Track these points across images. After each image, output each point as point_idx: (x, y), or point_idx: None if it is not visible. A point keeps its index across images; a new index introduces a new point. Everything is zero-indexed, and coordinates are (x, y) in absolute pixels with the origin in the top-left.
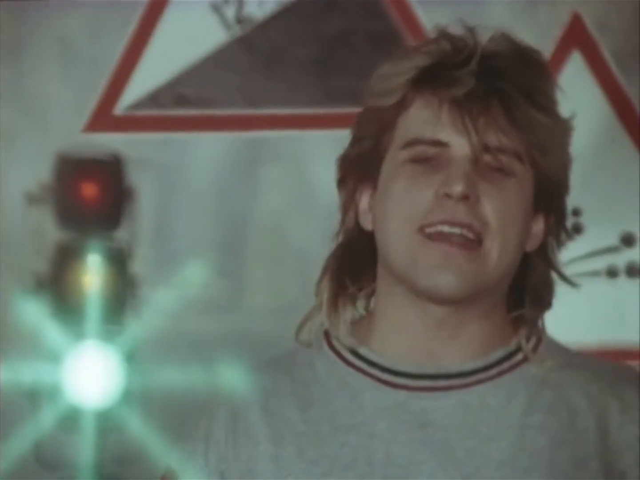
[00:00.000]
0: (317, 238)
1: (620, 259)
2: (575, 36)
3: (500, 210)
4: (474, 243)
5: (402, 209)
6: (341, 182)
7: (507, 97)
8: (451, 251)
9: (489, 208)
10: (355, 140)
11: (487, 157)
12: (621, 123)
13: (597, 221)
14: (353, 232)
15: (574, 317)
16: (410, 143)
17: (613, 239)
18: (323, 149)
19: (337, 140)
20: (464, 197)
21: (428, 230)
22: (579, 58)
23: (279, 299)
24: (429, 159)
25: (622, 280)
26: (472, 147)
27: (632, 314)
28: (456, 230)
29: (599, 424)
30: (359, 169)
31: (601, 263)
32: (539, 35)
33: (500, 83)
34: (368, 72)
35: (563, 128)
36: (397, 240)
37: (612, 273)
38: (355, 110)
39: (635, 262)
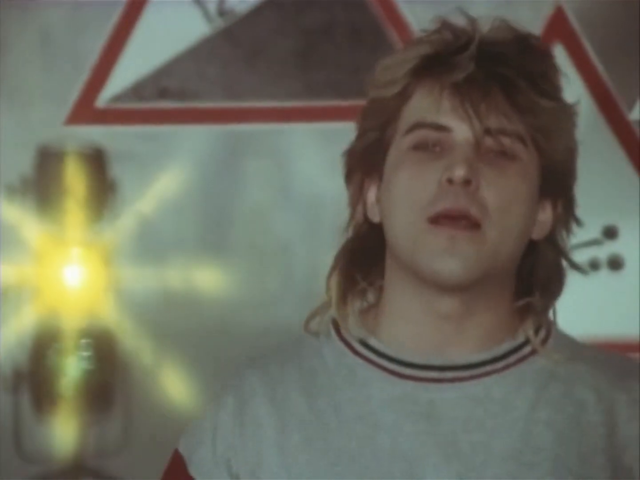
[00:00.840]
0: (300, 230)
1: (603, 252)
2: (558, 29)
3: (501, 195)
4: (474, 227)
5: (407, 198)
6: (348, 177)
7: (508, 82)
8: (455, 233)
9: (490, 193)
10: (360, 134)
11: (488, 141)
12: (603, 116)
13: (579, 214)
14: (362, 227)
15: (558, 309)
16: (413, 127)
17: (595, 232)
18: (305, 141)
19: (320, 132)
20: (466, 182)
21: (433, 218)
22: (561, 51)
23: (261, 290)
24: (432, 145)
25: (605, 272)
26: (473, 130)
27: (614, 305)
28: (458, 216)
29: (607, 419)
30: (365, 162)
31: (584, 256)
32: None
33: (501, 68)
34: (350, 65)
35: (567, 113)
36: (403, 228)
37: (594, 266)
38: (337, 102)
39: (617, 255)
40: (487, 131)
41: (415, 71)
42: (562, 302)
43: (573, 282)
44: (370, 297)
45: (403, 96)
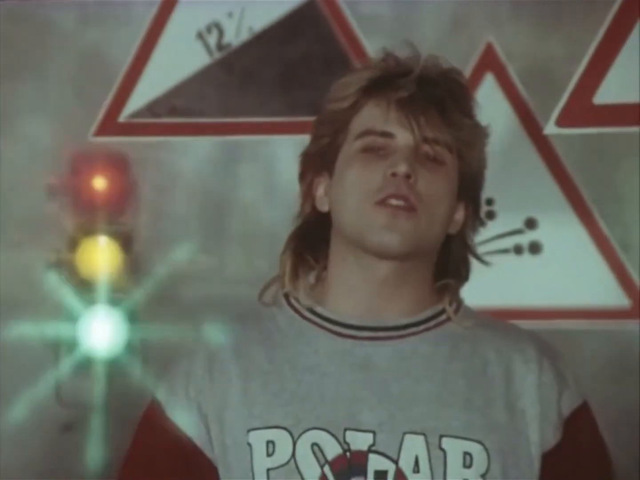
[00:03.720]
0: (283, 222)
1: (525, 239)
2: (489, 61)
3: (432, 190)
4: (412, 210)
5: (357, 188)
6: (301, 176)
7: (441, 102)
8: (396, 213)
9: (424, 187)
10: (314, 139)
11: (425, 147)
12: (525, 131)
13: (505, 209)
14: (310, 216)
15: (489, 286)
16: (363, 134)
17: (518, 223)
18: (287, 150)
19: (299, 143)
20: (407, 176)
21: (379, 202)
22: (491, 79)
23: (253, 270)
24: (377, 148)
25: (526, 256)
26: (414, 138)
27: (534, 281)
28: (400, 202)
29: (505, 372)
30: (316, 163)
31: (510, 242)
32: (460, 60)
33: (436, 91)
34: (323, 88)
35: (482, 132)
36: (353, 211)
37: (518, 250)
38: (313, 118)
39: (537, 242)
40: (425, 139)
41: (364, 89)
42: (494, 279)
43: (502, 263)
44: (312, 277)
45: (354, 109)
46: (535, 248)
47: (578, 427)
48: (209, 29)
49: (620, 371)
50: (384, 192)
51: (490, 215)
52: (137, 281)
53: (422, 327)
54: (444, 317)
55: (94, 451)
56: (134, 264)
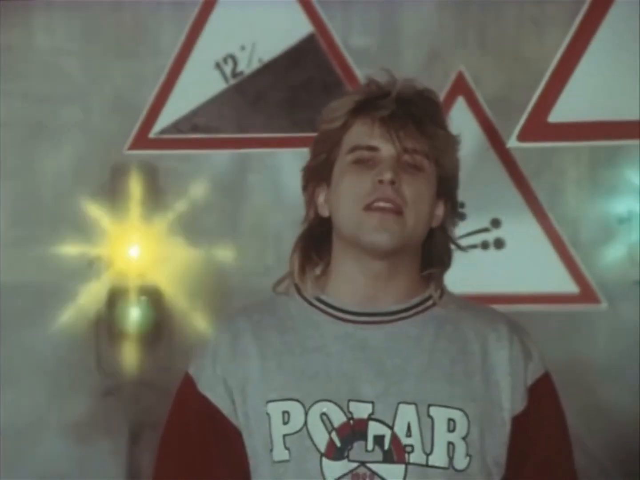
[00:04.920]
0: (288, 223)
1: (490, 236)
2: (460, 86)
3: (414, 193)
4: (398, 212)
5: (350, 194)
6: (304, 187)
7: (417, 117)
8: (384, 216)
9: (407, 191)
10: (313, 156)
11: (406, 157)
12: (491, 146)
13: (474, 211)
14: (314, 221)
15: (461, 275)
16: (353, 148)
17: (485, 223)
18: (291, 161)
19: (301, 155)
20: (392, 182)
21: (368, 206)
22: (462, 102)
23: (262, 264)
24: (365, 160)
25: (492, 250)
26: (396, 149)
27: (498, 272)
28: (387, 205)
29: (482, 348)
30: (316, 176)
31: (478, 239)
32: (435, 86)
33: (412, 108)
34: (321, 108)
35: (454, 140)
36: (348, 215)
37: (485, 246)
38: (314, 134)
39: (501, 238)
40: (405, 150)
41: (352, 111)
42: (464, 270)
43: (471, 257)
44: (321, 268)
45: (344, 128)
46: (499, 244)
47: (541, 393)
48: (225, 60)
49: (570, 345)
50: (372, 197)
51: (462, 216)
52: (165, 271)
53: (411, 312)
54: (430, 302)
55: (131, 413)
56: (162, 256)
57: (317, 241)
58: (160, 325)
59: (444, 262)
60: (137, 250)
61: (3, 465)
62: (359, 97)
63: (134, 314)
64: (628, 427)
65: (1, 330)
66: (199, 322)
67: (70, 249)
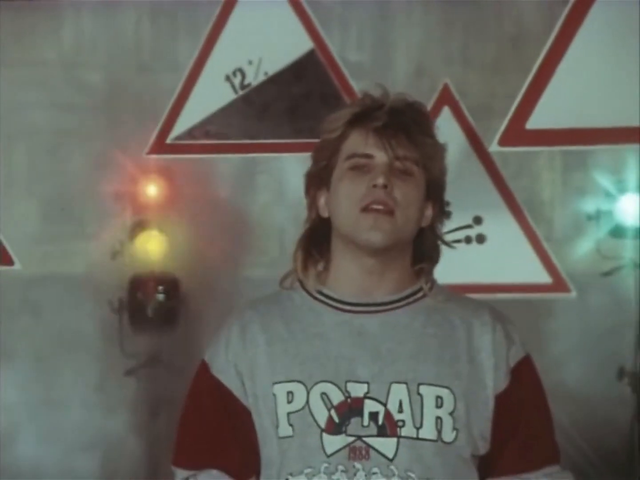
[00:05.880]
0: (290, 219)
1: (473, 232)
2: (445, 98)
3: (404, 196)
4: (390, 213)
5: (348, 197)
6: (306, 191)
7: (408, 127)
8: (378, 217)
9: (398, 194)
10: (314, 163)
11: (397, 163)
12: (473, 150)
13: (458, 209)
14: (315, 222)
15: (447, 268)
16: (350, 156)
17: (468, 220)
18: (294, 164)
19: (303, 159)
20: (384, 187)
21: (364, 207)
22: (448, 112)
23: (267, 257)
24: (361, 166)
25: (474, 245)
26: (388, 157)
27: (480, 265)
28: (380, 206)
29: (467, 334)
30: (317, 181)
31: (462, 235)
32: (423, 97)
33: (403, 119)
34: (321, 117)
35: (441, 148)
36: (346, 216)
37: (468, 240)
38: (314, 141)
39: (482, 234)
40: (397, 157)
41: (349, 122)
42: (450, 263)
43: (456, 251)
44: (322, 264)
45: (342, 138)
46: (481, 239)
47: (522, 374)
48: (234, 73)
49: (543, 329)
50: (367, 200)
51: (448, 214)
52: (183, 264)
53: (403, 303)
54: (420, 294)
55: (150, 391)
56: (179, 251)
57: (318, 240)
58: (177, 312)
59: (433, 258)
60: (155, 244)
61: (38, 435)
62: (355, 109)
63: (153, 302)
64: (593, 399)
65: (35, 316)
66: (211, 308)
67: (95, 243)
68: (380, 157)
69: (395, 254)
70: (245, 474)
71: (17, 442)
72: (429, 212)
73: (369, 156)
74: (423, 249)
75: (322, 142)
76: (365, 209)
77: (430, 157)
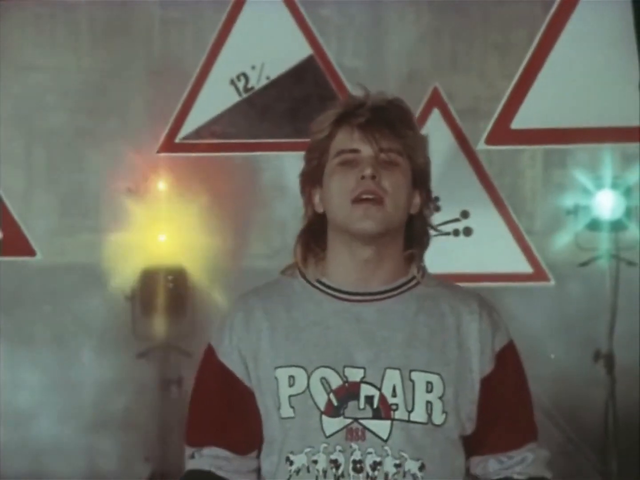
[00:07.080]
0: (291, 213)
1: (460, 225)
2: (435, 101)
3: (392, 185)
4: (379, 202)
5: (339, 190)
6: (302, 190)
7: (390, 121)
8: (369, 206)
9: (386, 183)
10: (307, 163)
11: (382, 155)
12: (460, 148)
13: (447, 203)
14: (312, 218)
15: (436, 258)
16: (338, 153)
17: (456, 214)
18: (294, 162)
19: (302, 157)
20: (372, 177)
21: (355, 199)
22: (437, 113)
23: (268, 247)
24: (349, 161)
25: (462, 237)
26: (373, 150)
27: (467, 256)
28: (370, 196)
29: (456, 321)
30: (311, 180)
31: (450, 227)
32: (414, 100)
33: (385, 114)
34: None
35: (423, 138)
36: (339, 208)
37: (456, 233)
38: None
39: (469, 227)
40: (381, 149)
41: (335, 122)
42: (438, 254)
43: (445, 243)
44: (321, 256)
45: (329, 137)
46: (467, 231)
47: (506, 359)
48: (238, 77)
49: (524, 314)
50: (357, 191)
51: (437, 209)
52: (191, 256)
53: (396, 292)
54: (412, 283)
55: (160, 372)
56: (189, 242)
57: (315, 234)
58: (185, 299)
59: (423, 243)
60: (165, 237)
61: (56, 413)
62: (340, 110)
63: (163, 290)
64: (571, 380)
65: (56, 302)
66: (217, 297)
67: (110, 236)
68: (366, 150)
69: (387, 242)
70: (246, 450)
71: (37, 420)
72: (416, 200)
73: (355, 151)
74: (413, 235)
75: (312, 143)
76: (356, 200)
77: (413, 148)
